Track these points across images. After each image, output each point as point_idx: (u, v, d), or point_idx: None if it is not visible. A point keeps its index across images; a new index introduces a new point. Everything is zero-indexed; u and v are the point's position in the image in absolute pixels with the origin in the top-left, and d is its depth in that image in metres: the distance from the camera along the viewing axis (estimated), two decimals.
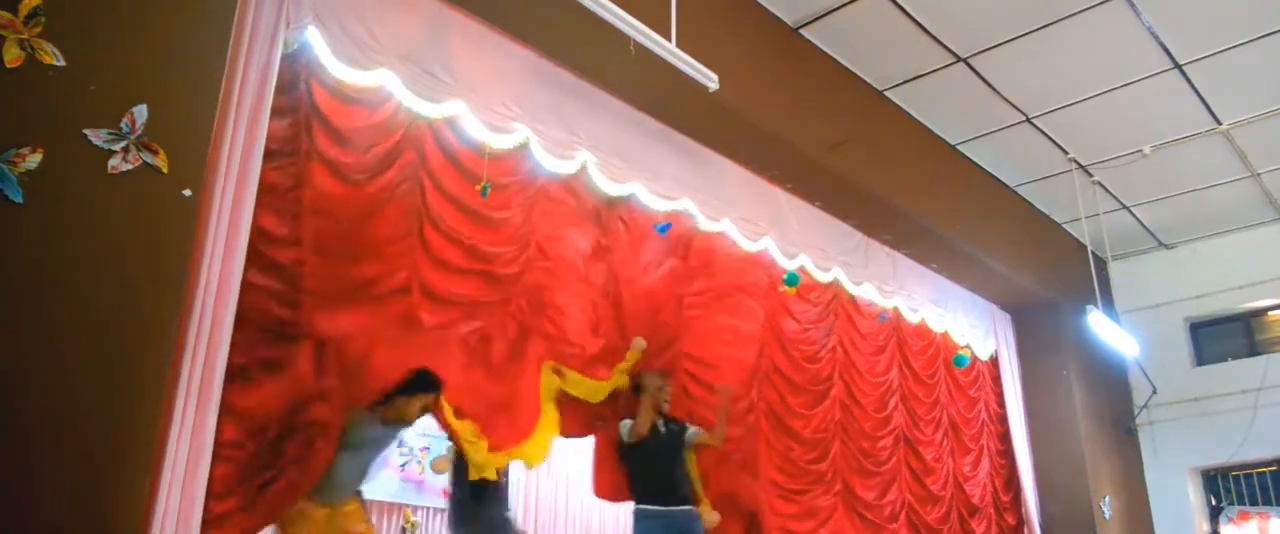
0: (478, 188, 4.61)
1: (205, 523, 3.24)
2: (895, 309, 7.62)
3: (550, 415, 4.89)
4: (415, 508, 8.36)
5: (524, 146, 4.92)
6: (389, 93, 4.38)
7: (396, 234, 4.35)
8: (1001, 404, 8.73)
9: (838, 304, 7.10)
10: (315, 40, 4.07)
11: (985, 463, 8.32)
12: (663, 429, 5.22)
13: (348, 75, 4.19)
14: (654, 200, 5.60)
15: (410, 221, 4.43)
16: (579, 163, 5.18)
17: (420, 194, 4.49)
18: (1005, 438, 8.62)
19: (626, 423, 5.16)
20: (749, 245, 6.24)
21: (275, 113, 3.82)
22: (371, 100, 4.33)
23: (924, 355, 7.94)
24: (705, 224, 5.96)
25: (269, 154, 3.75)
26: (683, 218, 5.85)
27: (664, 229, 5.66)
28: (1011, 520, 8.35)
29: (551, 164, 5.06)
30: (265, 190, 3.71)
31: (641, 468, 5.17)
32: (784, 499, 6.20)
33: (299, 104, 4.05)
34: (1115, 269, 9.57)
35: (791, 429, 6.41)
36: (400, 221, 4.37)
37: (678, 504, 5.15)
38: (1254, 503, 8.94)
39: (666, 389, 5.31)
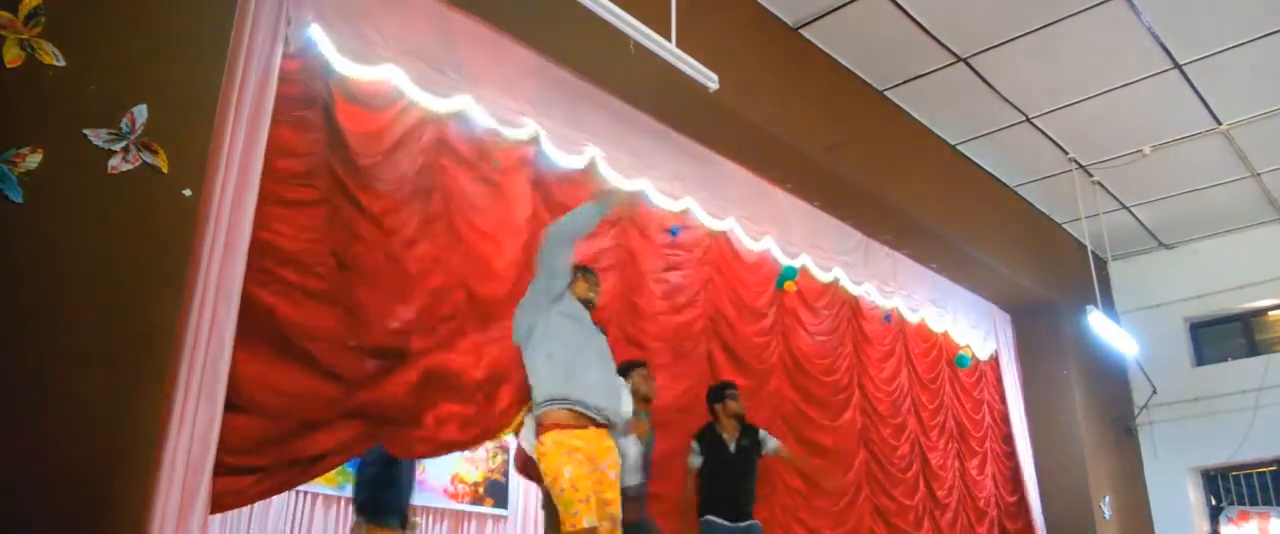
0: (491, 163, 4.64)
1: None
2: (896, 310, 7.62)
3: None
4: (415, 508, 8.36)
5: (534, 140, 4.93)
6: (397, 87, 4.38)
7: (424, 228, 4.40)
8: (1004, 404, 8.73)
9: (846, 310, 7.12)
10: (319, 38, 4.07)
11: (990, 465, 8.32)
12: (735, 444, 5.04)
13: (354, 71, 4.19)
14: (661, 199, 5.62)
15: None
16: (588, 157, 5.19)
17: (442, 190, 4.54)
18: (1008, 439, 8.62)
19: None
20: (752, 245, 6.26)
21: (294, 110, 3.91)
22: (381, 96, 4.35)
23: (927, 358, 7.94)
24: (710, 222, 5.97)
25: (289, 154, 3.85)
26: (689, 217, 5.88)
27: (676, 231, 5.68)
28: (1015, 524, 8.33)
29: (561, 159, 5.06)
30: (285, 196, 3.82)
31: (714, 481, 4.99)
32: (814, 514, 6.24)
33: (317, 102, 4.08)
34: (1115, 269, 9.58)
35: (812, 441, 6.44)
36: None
37: (743, 520, 4.97)
38: (1254, 503, 8.94)
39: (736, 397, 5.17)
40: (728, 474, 5.00)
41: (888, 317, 7.51)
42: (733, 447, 5.03)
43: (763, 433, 5.20)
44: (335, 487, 7.39)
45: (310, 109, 4.04)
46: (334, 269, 3.95)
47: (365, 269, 4.07)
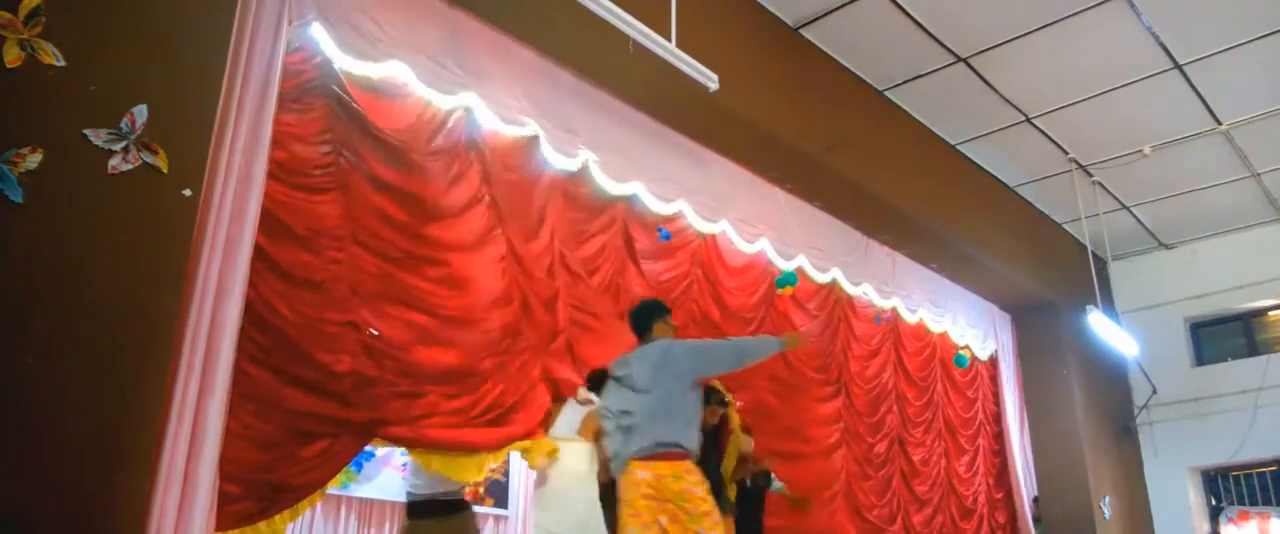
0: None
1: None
2: (893, 310, 7.62)
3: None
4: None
5: (534, 140, 4.98)
6: (403, 83, 4.42)
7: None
8: (1000, 404, 8.73)
9: (839, 310, 7.12)
10: (320, 36, 4.08)
11: (980, 463, 8.33)
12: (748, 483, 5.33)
13: (358, 68, 4.21)
14: (654, 201, 5.64)
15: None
16: (582, 160, 5.22)
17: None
18: (1000, 438, 8.64)
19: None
20: (746, 246, 6.25)
21: (303, 108, 3.97)
22: (388, 88, 4.39)
23: (919, 356, 7.93)
24: (703, 225, 5.98)
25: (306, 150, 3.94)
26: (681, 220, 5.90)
27: (666, 235, 5.70)
28: (1001, 518, 8.37)
29: (558, 161, 5.11)
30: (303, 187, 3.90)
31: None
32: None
33: (327, 97, 4.13)
34: (1115, 269, 9.57)
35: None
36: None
37: None
38: (1254, 503, 8.94)
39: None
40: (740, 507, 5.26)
41: (881, 317, 7.51)
42: (748, 483, 5.32)
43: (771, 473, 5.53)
44: (336, 486, 7.39)
45: (318, 97, 4.10)
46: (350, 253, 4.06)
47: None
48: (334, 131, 4.13)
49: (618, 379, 4.35)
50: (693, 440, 4.18)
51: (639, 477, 4.05)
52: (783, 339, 4.59)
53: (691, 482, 4.06)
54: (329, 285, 3.95)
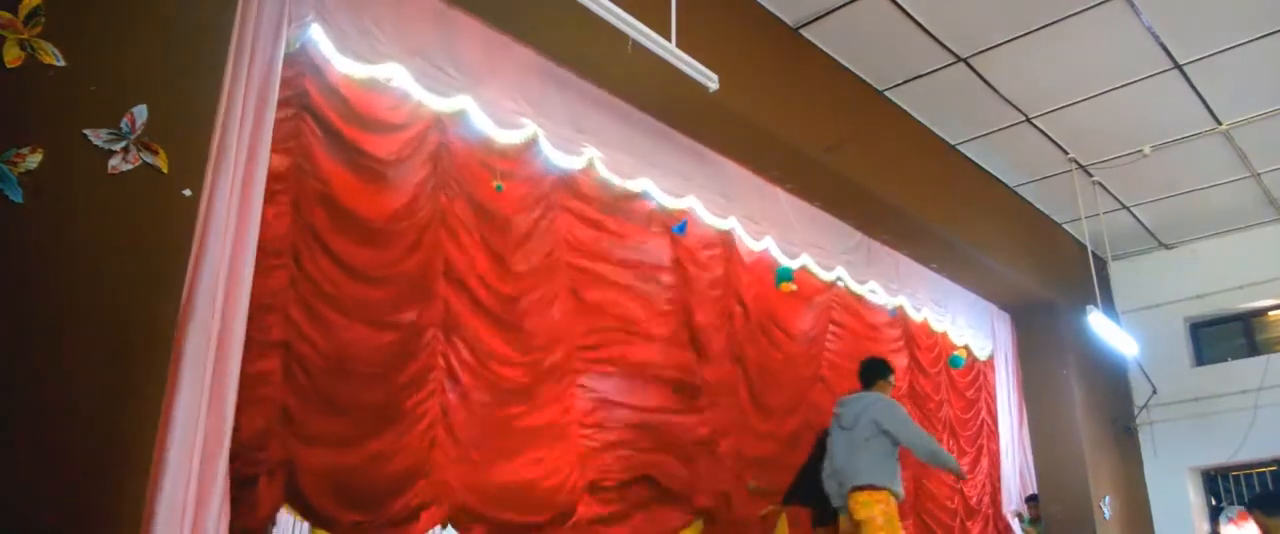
0: (493, 184, 4.72)
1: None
2: (900, 307, 7.63)
3: None
4: None
5: (532, 142, 4.99)
6: (399, 86, 4.41)
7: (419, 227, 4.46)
8: (999, 404, 8.73)
9: (844, 308, 7.12)
10: (319, 37, 4.08)
11: (983, 463, 8.32)
12: None
13: (355, 70, 4.21)
14: (664, 198, 5.68)
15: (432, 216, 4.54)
16: (587, 158, 5.24)
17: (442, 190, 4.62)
18: (997, 437, 8.65)
19: None
20: (753, 244, 6.28)
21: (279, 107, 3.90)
22: (384, 93, 4.38)
23: (930, 353, 7.95)
24: (713, 221, 6.01)
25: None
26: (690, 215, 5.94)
27: (680, 228, 5.73)
28: (1002, 521, 8.39)
29: (560, 159, 5.12)
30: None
31: None
32: None
33: (305, 100, 4.10)
34: (1115, 269, 9.57)
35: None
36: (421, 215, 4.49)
37: None
38: None
39: None
40: None
41: (893, 311, 7.54)
42: None
43: None
44: None
45: (298, 108, 4.07)
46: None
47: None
48: (308, 139, 4.10)
49: (835, 415, 5.39)
50: (877, 477, 5.06)
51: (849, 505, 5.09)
52: (960, 467, 5.61)
53: (876, 511, 4.97)
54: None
